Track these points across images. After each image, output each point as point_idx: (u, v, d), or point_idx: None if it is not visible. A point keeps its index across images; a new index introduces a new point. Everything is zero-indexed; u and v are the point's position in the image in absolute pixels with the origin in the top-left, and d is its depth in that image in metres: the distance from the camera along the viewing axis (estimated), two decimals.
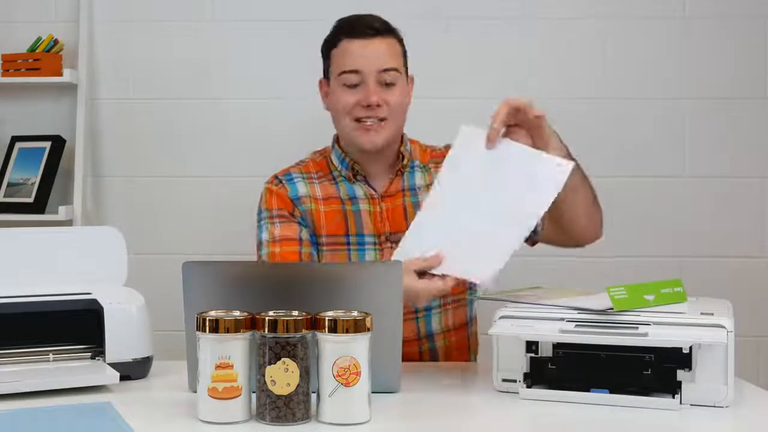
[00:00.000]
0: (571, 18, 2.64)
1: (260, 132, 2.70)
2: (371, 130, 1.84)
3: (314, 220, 1.88)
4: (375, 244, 1.88)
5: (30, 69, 2.65)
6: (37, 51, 2.65)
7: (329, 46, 1.90)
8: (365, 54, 1.83)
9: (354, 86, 1.83)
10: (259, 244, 1.88)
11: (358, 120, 1.84)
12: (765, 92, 2.62)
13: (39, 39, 2.66)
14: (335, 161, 1.94)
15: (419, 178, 1.94)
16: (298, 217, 1.88)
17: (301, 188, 1.91)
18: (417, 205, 1.85)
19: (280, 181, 1.93)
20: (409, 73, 1.91)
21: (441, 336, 1.89)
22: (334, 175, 1.93)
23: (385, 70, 1.83)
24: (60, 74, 2.64)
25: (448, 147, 1.92)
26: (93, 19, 2.72)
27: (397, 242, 1.84)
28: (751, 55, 2.62)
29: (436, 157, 1.94)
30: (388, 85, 1.84)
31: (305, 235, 1.86)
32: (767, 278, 2.62)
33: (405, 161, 1.93)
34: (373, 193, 1.90)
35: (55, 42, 2.67)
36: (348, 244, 1.88)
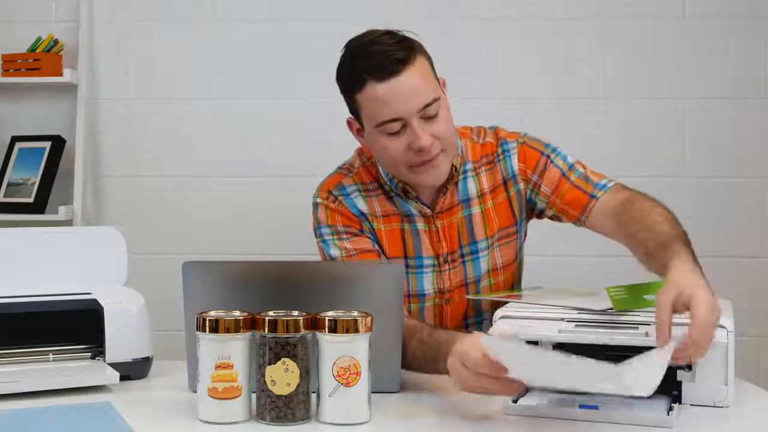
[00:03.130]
0: (571, 18, 2.64)
1: (260, 132, 2.70)
2: (429, 169, 1.68)
3: (377, 239, 1.78)
4: (434, 266, 1.79)
5: (30, 69, 2.65)
6: (37, 51, 2.65)
7: (351, 86, 1.67)
8: (401, 96, 1.61)
9: (397, 132, 1.65)
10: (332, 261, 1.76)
11: (412, 165, 1.68)
12: (765, 92, 2.62)
13: (39, 39, 2.67)
14: (384, 176, 1.79)
15: (471, 186, 1.79)
16: (367, 233, 1.77)
17: (361, 205, 1.78)
18: (470, 219, 1.78)
19: (336, 198, 1.78)
20: (440, 80, 1.72)
21: None
22: (386, 189, 1.79)
23: (426, 106, 1.63)
24: (60, 74, 2.64)
25: (495, 131, 1.83)
26: (93, 19, 2.72)
27: (454, 262, 1.79)
28: (751, 55, 2.62)
29: (487, 153, 1.81)
30: (433, 116, 1.65)
31: (377, 246, 1.77)
32: (767, 278, 2.62)
33: (458, 170, 1.77)
34: (428, 211, 1.77)
35: (55, 42, 2.67)
36: (407, 267, 1.77)
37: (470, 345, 1.31)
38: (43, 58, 2.64)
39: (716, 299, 1.30)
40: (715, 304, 1.28)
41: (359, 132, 1.74)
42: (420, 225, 1.78)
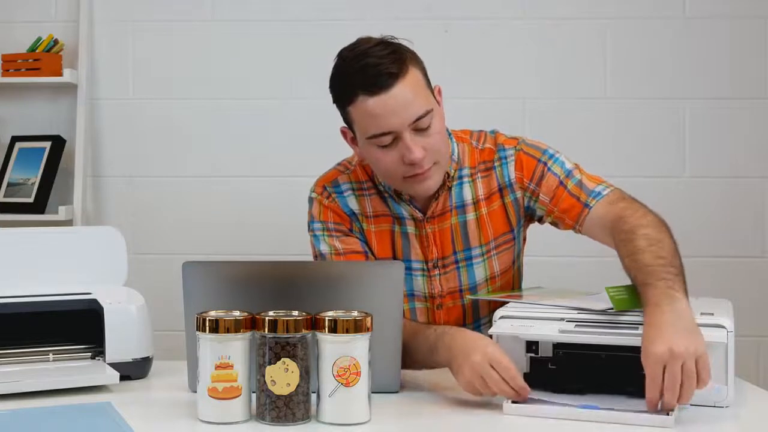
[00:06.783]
0: (571, 18, 2.64)
1: (260, 132, 2.70)
2: (422, 180, 1.66)
3: (366, 240, 1.78)
4: (423, 270, 1.78)
5: (30, 69, 2.65)
6: (37, 51, 2.65)
7: (343, 99, 1.66)
8: (392, 110, 1.59)
9: (389, 144, 1.63)
10: (321, 257, 1.77)
11: (405, 176, 1.67)
12: (765, 92, 2.62)
13: (39, 39, 2.67)
14: (378, 177, 1.78)
15: (467, 192, 1.76)
16: (356, 232, 1.78)
17: (353, 204, 1.78)
18: (464, 225, 1.76)
19: (330, 194, 1.79)
20: (434, 88, 1.70)
21: None
22: (380, 189, 1.78)
23: (419, 119, 1.61)
24: (60, 74, 2.64)
25: (495, 136, 1.80)
26: (93, 19, 2.72)
27: (446, 268, 1.79)
28: (751, 55, 2.62)
29: (485, 159, 1.78)
30: (425, 128, 1.63)
31: (366, 247, 1.77)
32: (767, 278, 2.62)
33: (453, 175, 1.76)
34: (419, 215, 1.75)
35: (55, 42, 2.67)
36: None
37: (500, 350, 1.41)
38: (43, 58, 2.64)
39: (686, 341, 1.31)
40: (666, 355, 1.30)
41: (353, 141, 1.73)
42: (410, 228, 1.78)
